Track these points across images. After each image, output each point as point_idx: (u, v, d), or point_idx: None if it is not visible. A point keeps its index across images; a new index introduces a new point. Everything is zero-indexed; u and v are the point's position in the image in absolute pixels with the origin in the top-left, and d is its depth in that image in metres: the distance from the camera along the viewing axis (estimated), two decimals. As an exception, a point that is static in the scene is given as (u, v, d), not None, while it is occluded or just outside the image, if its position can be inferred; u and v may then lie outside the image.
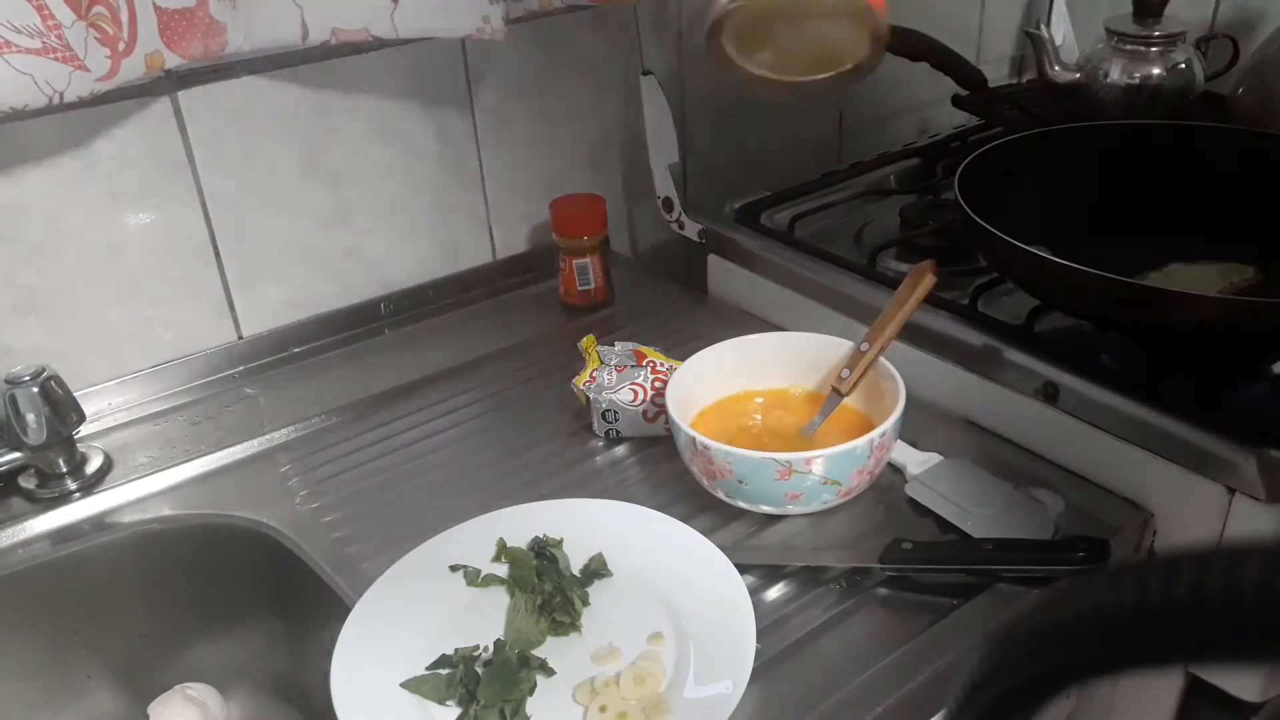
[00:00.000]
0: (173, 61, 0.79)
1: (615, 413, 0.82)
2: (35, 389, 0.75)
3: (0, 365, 0.78)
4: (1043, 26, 1.28)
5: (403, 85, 0.97)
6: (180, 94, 0.86)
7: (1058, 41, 1.30)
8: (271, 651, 0.80)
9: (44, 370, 0.76)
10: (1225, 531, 0.70)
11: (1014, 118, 1.18)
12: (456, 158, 1.02)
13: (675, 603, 0.66)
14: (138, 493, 0.80)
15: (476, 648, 0.64)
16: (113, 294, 0.88)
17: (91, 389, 0.88)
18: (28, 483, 0.80)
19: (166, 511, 0.79)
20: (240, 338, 0.96)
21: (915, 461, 0.77)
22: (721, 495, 0.74)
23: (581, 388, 0.84)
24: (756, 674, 0.62)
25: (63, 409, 0.77)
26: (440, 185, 1.02)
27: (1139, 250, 0.85)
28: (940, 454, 0.78)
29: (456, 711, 0.60)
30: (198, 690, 0.78)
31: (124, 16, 0.75)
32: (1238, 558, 0.20)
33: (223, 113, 0.88)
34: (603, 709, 0.59)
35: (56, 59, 0.70)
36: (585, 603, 0.67)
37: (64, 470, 0.80)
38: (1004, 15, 1.45)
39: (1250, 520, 0.68)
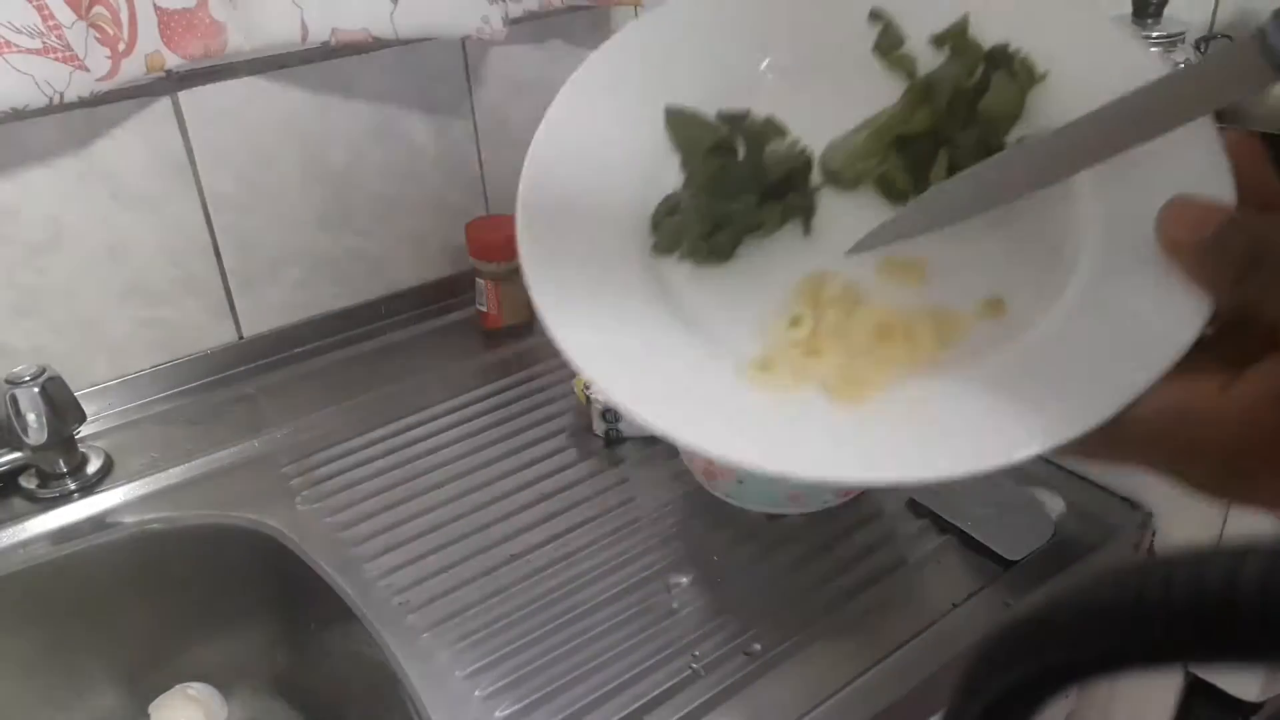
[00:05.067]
0: (173, 61, 0.79)
1: (615, 413, 0.82)
2: (36, 389, 0.75)
3: (1, 365, 0.78)
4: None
5: (403, 86, 0.97)
6: (181, 94, 0.86)
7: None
8: (272, 651, 0.80)
9: (45, 370, 0.76)
10: (1224, 531, 0.71)
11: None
12: (456, 158, 1.02)
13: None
14: (138, 493, 0.81)
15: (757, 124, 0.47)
16: (113, 294, 0.88)
17: (92, 389, 0.88)
18: (28, 483, 0.80)
19: (167, 512, 0.79)
20: (241, 338, 0.96)
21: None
22: (721, 495, 0.74)
23: (582, 388, 0.84)
24: (754, 675, 0.62)
25: (63, 409, 0.77)
26: (440, 185, 1.02)
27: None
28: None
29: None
30: (198, 690, 0.78)
31: (124, 16, 0.75)
32: (1237, 557, 0.20)
33: (223, 113, 0.88)
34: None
35: (57, 59, 0.71)
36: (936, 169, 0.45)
37: (64, 470, 0.80)
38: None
39: (1250, 520, 0.68)
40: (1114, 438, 0.35)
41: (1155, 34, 1.18)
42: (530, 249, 0.43)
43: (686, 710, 0.60)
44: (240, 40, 0.82)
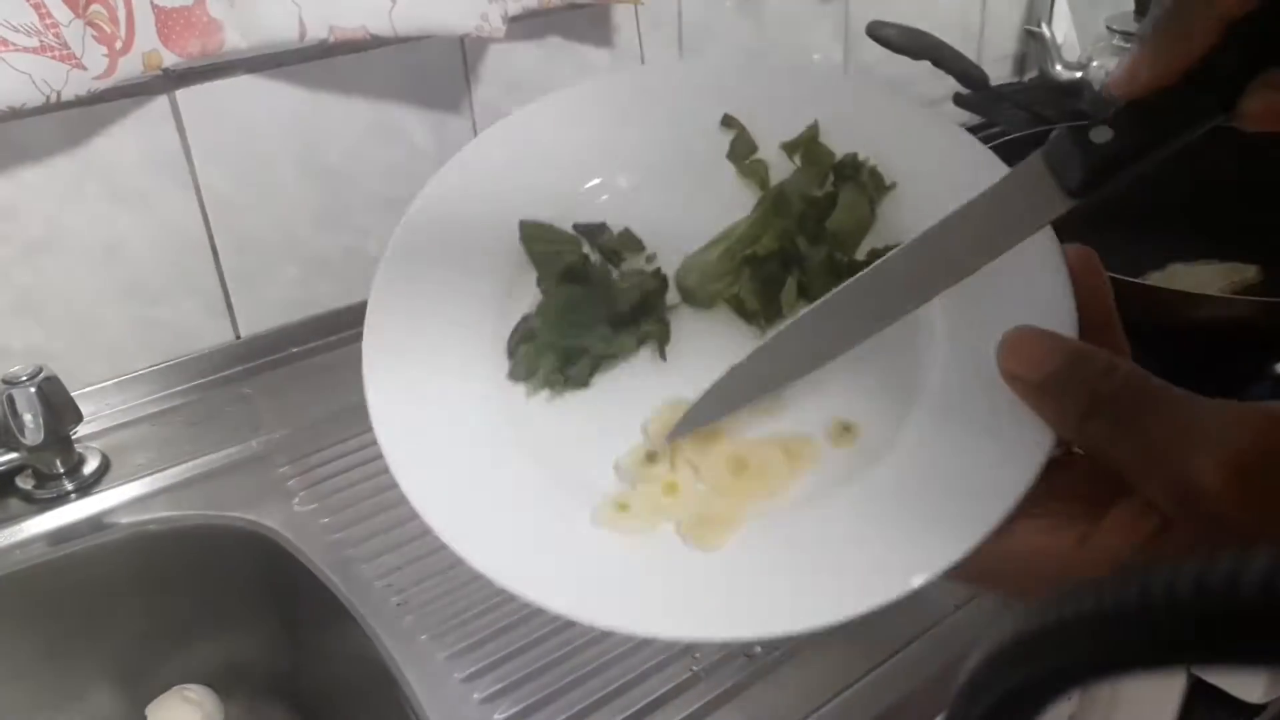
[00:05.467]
0: (170, 60, 0.79)
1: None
2: (33, 389, 0.75)
3: (-3, 365, 0.78)
4: (1044, 25, 1.28)
5: (401, 84, 0.97)
6: (178, 92, 0.85)
7: (1059, 40, 1.30)
8: (269, 653, 0.80)
9: (41, 370, 0.76)
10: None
11: (1016, 116, 1.18)
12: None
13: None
14: (135, 493, 0.80)
15: (608, 237, 0.46)
16: (110, 294, 0.88)
17: (89, 389, 0.88)
18: (25, 483, 0.79)
19: (164, 512, 0.78)
20: (238, 338, 0.96)
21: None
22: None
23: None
24: (754, 677, 0.61)
25: (60, 409, 0.77)
26: (439, 185, 1.02)
27: (1140, 249, 0.84)
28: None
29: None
30: (195, 692, 0.78)
31: (121, 15, 0.74)
32: (1240, 558, 0.19)
33: (220, 111, 0.88)
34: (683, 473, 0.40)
35: (54, 58, 0.70)
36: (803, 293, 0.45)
37: (61, 471, 0.80)
38: (1006, 14, 1.44)
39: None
40: (983, 570, 0.35)
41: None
42: (375, 344, 0.42)
43: (686, 713, 0.60)
44: (238, 38, 0.82)
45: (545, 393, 0.43)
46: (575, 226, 0.47)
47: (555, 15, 1.03)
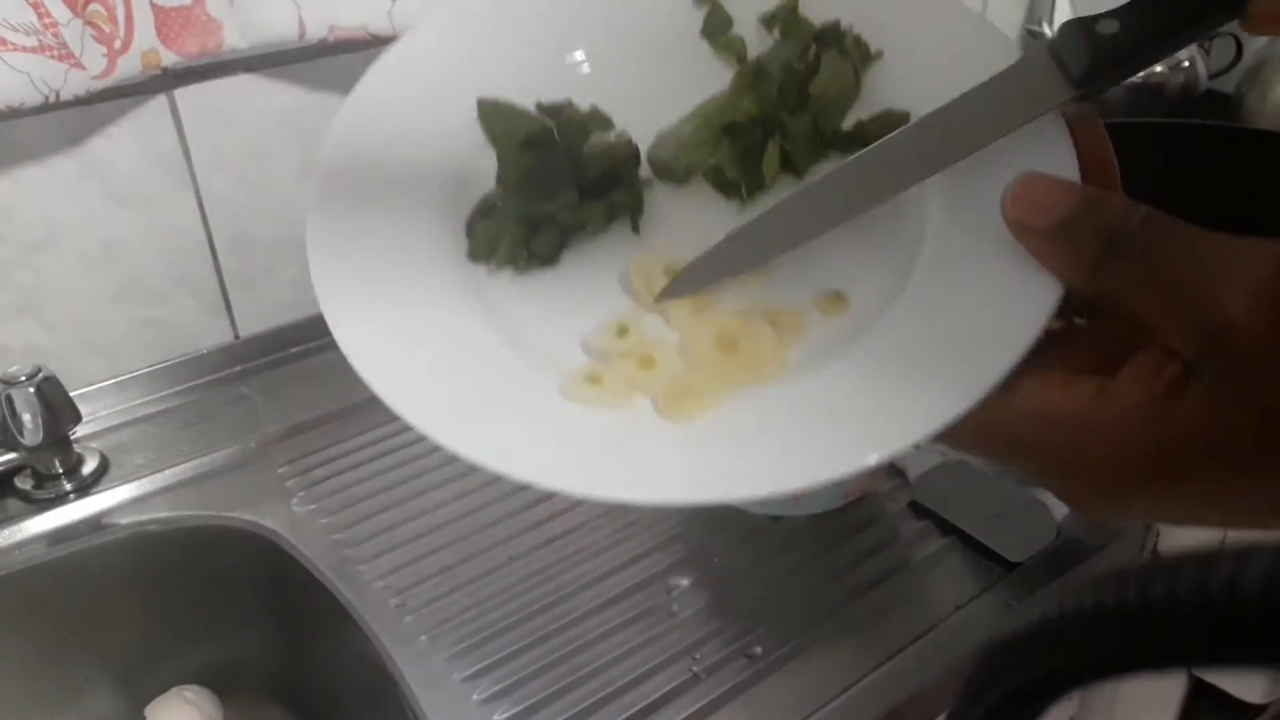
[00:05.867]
0: (169, 59, 0.79)
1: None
2: (31, 389, 0.75)
3: (-4, 365, 0.78)
4: (1045, 25, 1.28)
5: (401, 84, 0.96)
6: (177, 92, 0.85)
7: (1060, 40, 1.29)
8: (268, 654, 0.80)
9: (40, 370, 0.76)
10: (1228, 533, 0.70)
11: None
12: (455, 157, 1.02)
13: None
14: (134, 494, 0.80)
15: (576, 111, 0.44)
16: (109, 294, 0.87)
17: (88, 389, 0.87)
18: (24, 484, 0.79)
19: (163, 513, 0.78)
20: (237, 338, 0.95)
21: (917, 463, 0.77)
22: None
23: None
24: (755, 678, 0.61)
25: (59, 409, 0.77)
26: (439, 185, 1.02)
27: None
28: (942, 454, 0.77)
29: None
30: (194, 693, 0.78)
31: (120, 14, 0.74)
32: (1241, 559, 0.19)
33: (220, 111, 0.88)
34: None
35: (53, 57, 0.70)
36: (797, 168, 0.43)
37: (60, 471, 0.80)
38: (1006, 14, 1.44)
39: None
40: (990, 436, 0.34)
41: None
42: (320, 234, 0.39)
43: (687, 713, 0.60)
44: (237, 38, 0.82)
45: (509, 272, 0.41)
46: (538, 106, 0.44)
47: (555, 15, 1.03)
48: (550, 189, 0.41)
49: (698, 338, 0.38)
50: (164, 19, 0.77)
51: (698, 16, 0.46)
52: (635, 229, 0.42)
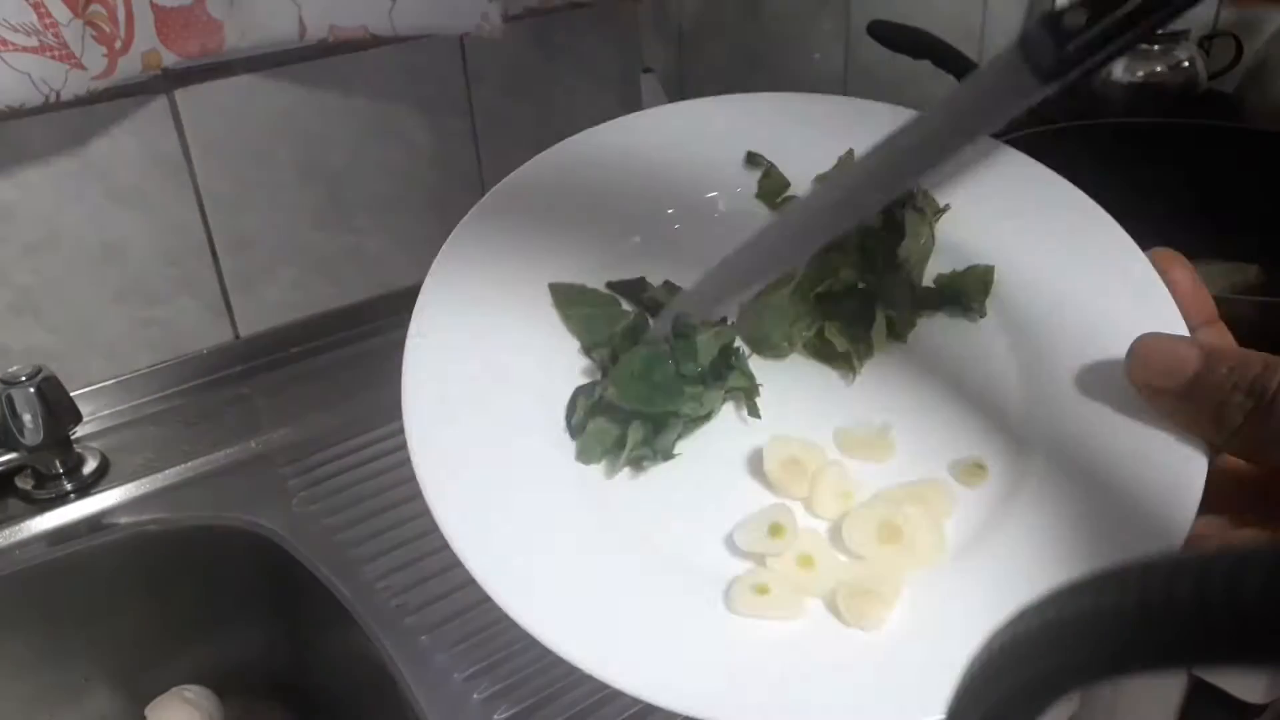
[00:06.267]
0: (170, 59, 0.79)
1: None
2: (32, 389, 0.75)
3: (-4, 366, 0.78)
4: (1045, 25, 1.27)
5: (401, 84, 0.96)
6: (177, 92, 0.85)
7: (1060, 40, 1.29)
8: (269, 654, 0.80)
9: (40, 370, 0.76)
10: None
11: (1016, 116, 1.17)
12: (455, 157, 1.02)
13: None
14: (135, 494, 0.80)
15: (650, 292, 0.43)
16: (109, 294, 0.87)
17: (88, 389, 0.87)
18: (24, 483, 0.79)
19: (163, 513, 0.78)
20: (237, 338, 0.95)
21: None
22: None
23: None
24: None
25: (59, 409, 0.77)
26: (439, 185, 1.02)
27: (1142, 249, 0.84)
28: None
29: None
30: (195, 693, 0.78)
31: (121, 14, 0.74)
32: (1241, 560, 0.19)
33: (220, 111, 0.88)
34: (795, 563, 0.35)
35: (53, 57, 0.70)
36: (898, 335, 0.42)
37: (60, 471, 0.80)
38: (1006, 13, 1.44)
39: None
40: None
41: (1159, 31, 1.18)
42: (423, 449, 0.39)
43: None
44: (237, 38, 0.82)
45: (626, 472, 0.38)
46: (609, 285, 0.43)
47: (556, 15, 1.03)
48: (669, 385, 0.39)
49: (858, 529, 0.35)
50: (164, 19, 0.77)
51: (751, 180, 0.45)
52: (756, 413, 0.40)
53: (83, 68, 0.72)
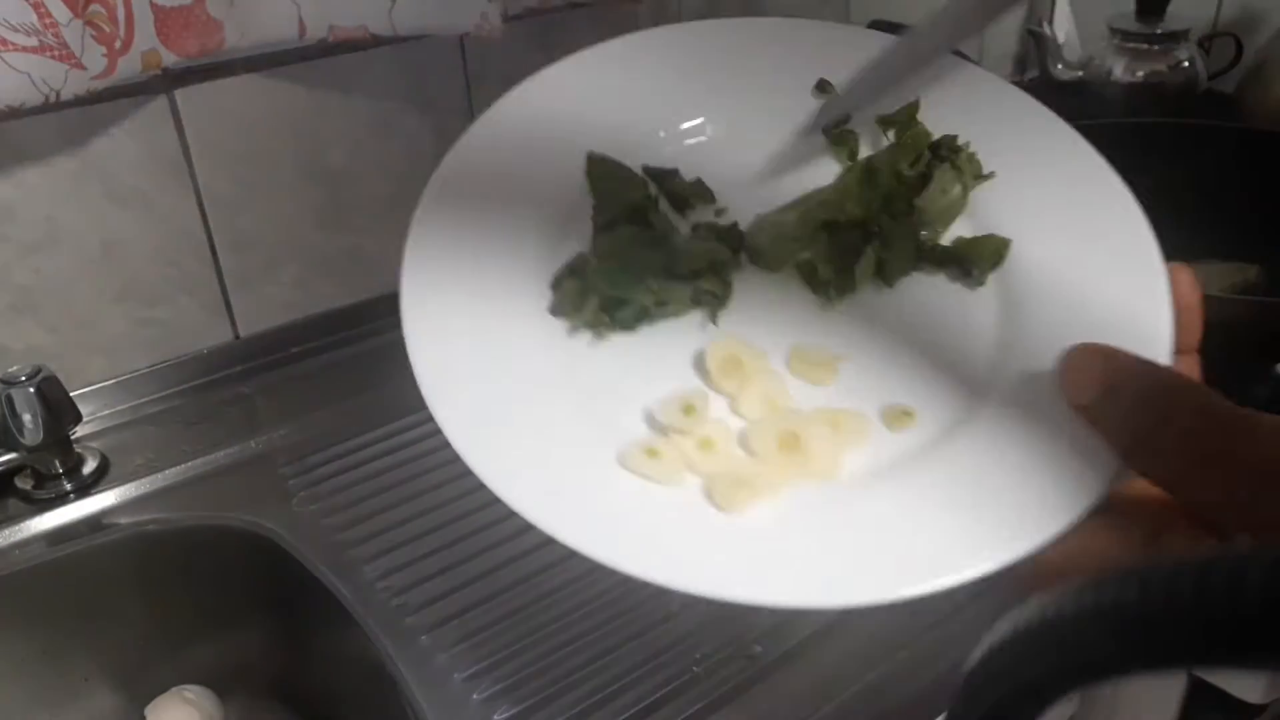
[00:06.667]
0: (169, 59, 0.79)
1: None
2: (31, 389, 0.75)
3: (-4, 365, 0.78)
4: (1045, 25, 1.28)
5: (401, 83, 0.96)
6: (177, 92, 0.85)
7: (1060, 40, 1.30)
8: (269, 654, 0.80)
9: (40, 370, 0.76)
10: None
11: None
12: (455, 157, 1.02)
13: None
14: (134, 494, 0.80)
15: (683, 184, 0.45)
16: (109, 294, 0.88)
17: (88, 389, 0.87)
18: (24, 483, 0.79)
19: (163, 513, 0.78)
20: (237, 338, 0.95)
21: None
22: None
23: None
24: (755, 678, 0.61)
25: (59, 409, 0.77)
26: (439, 184, 1.02)
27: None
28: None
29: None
30: (195, 692, 0.78)
31: (120, 14, 0.74)
32: (1242, 560, 0.19)
33: (220, 111, 0.88)
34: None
35: (53, 57, 0.70)
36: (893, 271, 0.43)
37: (60, 471, 0.80)
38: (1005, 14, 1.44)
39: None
40: (1028, 578, 0.33)
41: (1158, 32, 1.18)
42: (416, 271, 0.42)
43: (687, 713, 0.60)
44: (237, 37, 0.82)
45: (588, 334, 0.41)
46: (645, 169, 0.45)
47: (555, 15, 1.03)
48: (639, 272, 0.41)
49: (762, 431, 0.38)
50: (164, 19, 0.77)
51: (816, 104, 0.46)
52: (713, 321, 0.42)
53: (83, 68, 0.72)
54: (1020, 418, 0.36)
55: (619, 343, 0.41)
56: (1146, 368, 0.33)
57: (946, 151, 0.44)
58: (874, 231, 0.43)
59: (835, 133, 0.46)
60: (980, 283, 0.41)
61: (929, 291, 0.42)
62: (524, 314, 0.41)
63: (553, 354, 0.40)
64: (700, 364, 0.40)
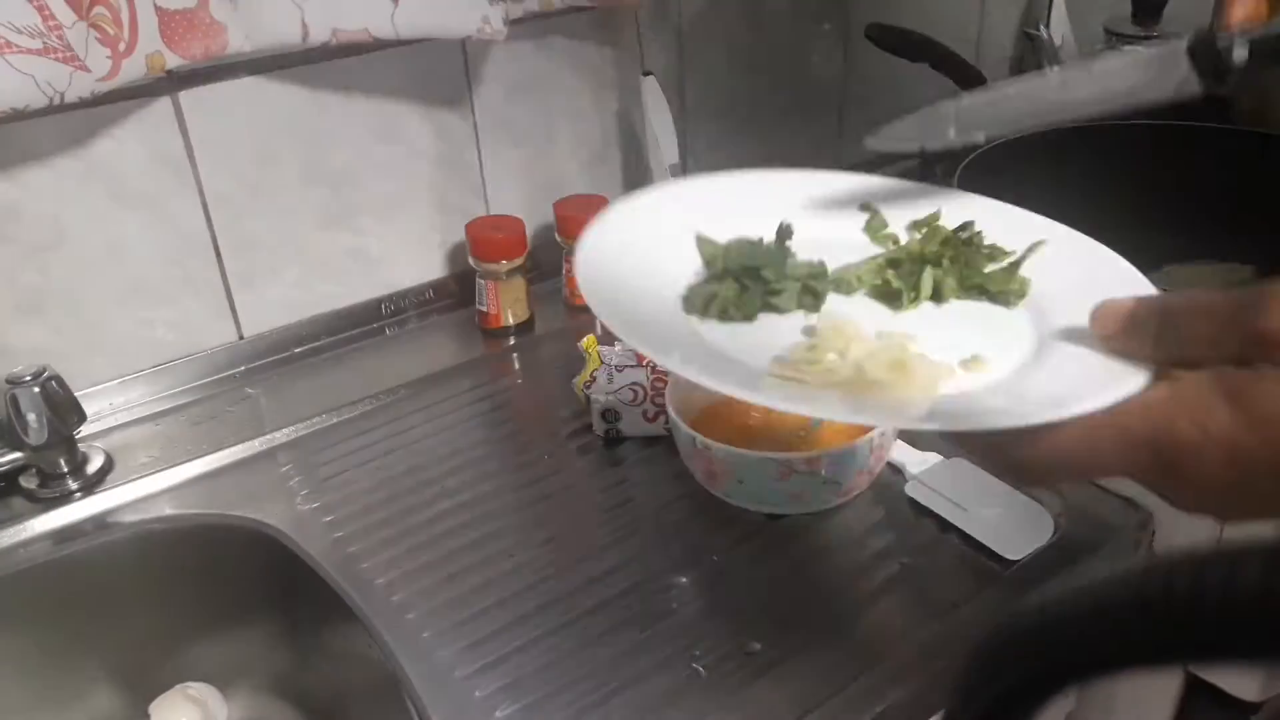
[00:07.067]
0: (173, 62, 0.79)
1: (615, 412, 0.82)
2: (36, 389, 0.75)
3: (1, 365, 0.78)
4: (1042, 27, 1.28)
5: (403, 86, 0.97)
6: (181, 94, 0.86)
7: (1057, 42, 1.30)
8: (272, 651, 0.81)
9: (45, 370, 0.76)
10: (1224, 532, 0.71)
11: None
12: (456, 158, 1.02)
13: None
14: (139, 493, 0.81)
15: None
16: (114, 294, 0.88)
17: (93, 389, 0.88)
18: (29, 483, 0.80)
19: (167, 511, 0.79)
20: (241, 338, 0.96)
21: (914, 461, 0.77)
22: (721, 495, 0.74)
23: (582, 387, 0.84)
24: (754, 675, 0.62)
25: (64, 409, 0.77)
26: (440, 185, 1.02)
27: (1137, 251, 0.85)
28: (939, 453, 0.78)
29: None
30: (198, 690, 0.78)
31: (125, 17, 0.75)
32: (1237, 558, 0.20)
33: (223, 113, 0.88)
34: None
35: (57, 59, 0.71)
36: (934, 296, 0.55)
37: (65, 470, 0.80)
38: (1003, 16, 1.45)
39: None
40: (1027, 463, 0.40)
41: (1155, 34, 1.18)
42: (591, 291, 0.50)
43: (686, 711, 0.60)
44: (241, 40, 0.82)
45: (716, 323, 0.51)
46: (760, 241, 0.56)
47: (556, 18, 1.03)
48: (760, 260, 0.53)
49: (876, 357, 0.47)
50: (168, 22, 0.78)
51: (863, 219, 0.59)
52: (815, 309, 0.53)
53: (87, 70, 0.72)
54: (1065, 354, 0.46)
55: (738, 327, 0.51)
56: (1155, 297, 0.42)
57: (964, 230, 0.56)
58: (931, 260, 0.55)
59: (878, 235, 0.58)
60: (1011, 305, 0.53)
61: (971, 306, 0.54)
62: (667, 315, 0.51)
63: (691, 329, 0.51)
64: (809, 333, 0.50)
